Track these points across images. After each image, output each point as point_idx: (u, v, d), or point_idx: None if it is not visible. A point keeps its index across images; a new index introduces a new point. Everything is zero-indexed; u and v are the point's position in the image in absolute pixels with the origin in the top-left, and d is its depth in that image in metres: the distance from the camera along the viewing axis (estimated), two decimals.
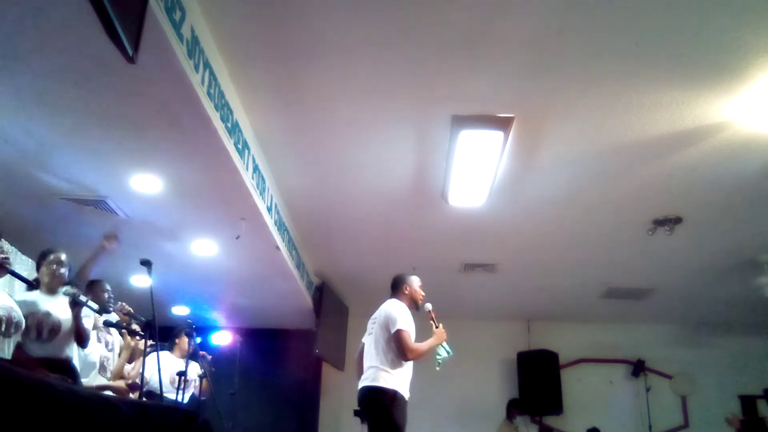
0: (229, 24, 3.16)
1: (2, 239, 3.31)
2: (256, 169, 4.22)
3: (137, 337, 4.38)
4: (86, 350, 3.87)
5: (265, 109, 3.88)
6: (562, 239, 5.65)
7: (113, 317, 4.32)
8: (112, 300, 4.26)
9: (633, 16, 2.97)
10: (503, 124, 3.79)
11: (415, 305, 3.92)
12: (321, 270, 6.85)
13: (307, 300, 6.67)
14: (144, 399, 4.04)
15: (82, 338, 3.57)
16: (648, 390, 7.78)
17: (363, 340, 3.94)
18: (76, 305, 3.48)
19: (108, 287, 4.30)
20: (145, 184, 4.22)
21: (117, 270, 5.59)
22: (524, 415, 7.60)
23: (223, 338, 7.20)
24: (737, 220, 5.06)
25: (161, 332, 4.17)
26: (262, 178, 4.42)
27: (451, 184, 4.51)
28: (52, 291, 3.59)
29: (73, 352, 3.64)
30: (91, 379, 4.06)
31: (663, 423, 7.69)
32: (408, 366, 3.69)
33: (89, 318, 3.73)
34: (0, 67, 2.99)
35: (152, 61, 2.70)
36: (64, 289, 3.51)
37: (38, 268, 3.71)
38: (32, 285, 3.64)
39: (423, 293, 3.98)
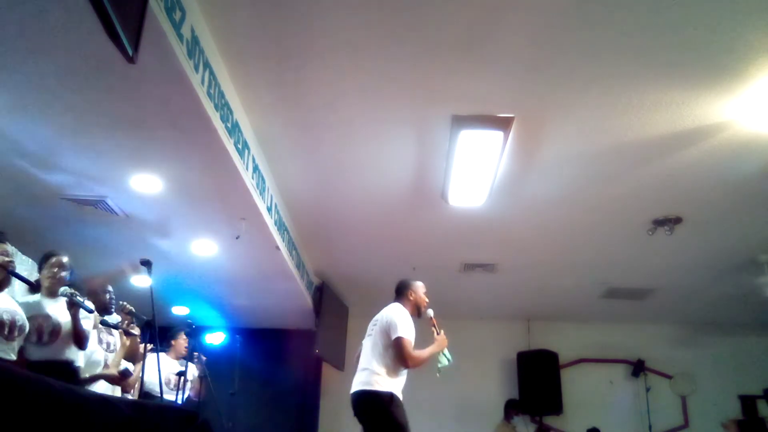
0: (229, 24, 3.16)
1: (6, 242, 3.31)
2: (256, 169, 4.22)
3: (137, 338, 4.38)
4: (91, 348, 3.88)
5: (265, 109, 3.88)
6: (562, 239, 5.65)
7: (114, 318, 4.32)
8: (113, 300, 4.27)
9: (633, 16, 2.97)
10: (503, 124, 3.78)
11: (417, 312, 3.88)
12: (321, 270, 6.85)
13: (307, 300, 6.66)
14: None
15: (80, 339, 3.56)
16: (648, 390, 7.78)
17: (363, 342, 3.91)
18: (72, 306, 3.48)
19: (110, 288, 4.31)
20: (145, 183, 4.22)
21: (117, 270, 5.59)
22: (523, 415, 7.59)
23: (220, 338, 7.21)
24: (737, 220, 5.06)
25: (159, 332, 4.17)
26: (262, 178, 4.42)
27: (451, 184, 4.50)
28: (53, 294, 3.58)
29: (75, 354, 3.64)
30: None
31: (663, 423, 7.70)
32: (403, 372, 3.65)
33: (89, 319, 3.73)
34: (0, 67, 2.99)
35: (152, 61, 2.70)
36: (62, 289, 3.50)
37: (40, 270, 3.70)
38: (33, 286, 3.64)
39: (427, 300, 3.96)
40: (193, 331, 5.32)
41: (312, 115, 3.91)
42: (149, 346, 4.40)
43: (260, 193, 4.37)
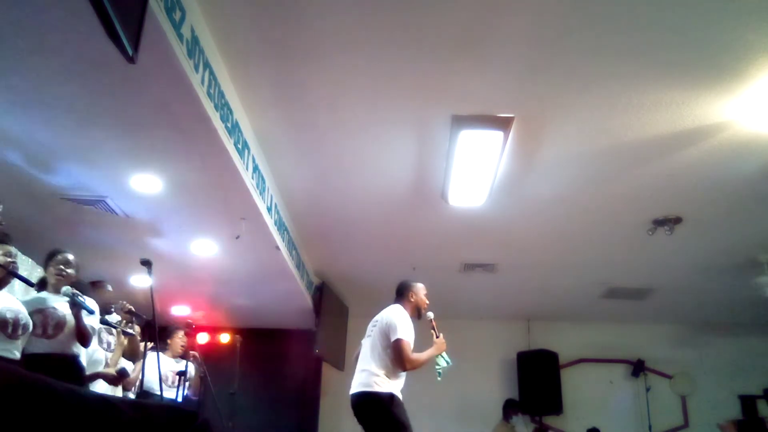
0: (229, 24, 3.16)
1: (10, 243, 3.32)
2: (256, 169, 4.22)
3: (137, 337, 4.39)
4: (92, 347, 3.90)
5: (265, 109, 3.88)
6: (563, 239, 5.65)
7: (114, 317, 4.33)
8: (114, 301, 4.28)
9: (633, 16, 2.97)
10: (503, 124, 3.78)
11: (418, 313, 3.88)
12: (321, 270, 6.85)
13: (307, 300, 6.66)
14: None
15: (83, 337, 3.58)
16: (648, 390, 7.78)
17: (362, 342, 3.92)
18: (74, 306, 3.50)
19: (110, 287, 4.31)
20: (145, 184, 4.22)
21: (117, 270, 5.59)
22: (523, 414, 7.60)
23: (220, 338, 7.22)
24: (737, 220, 5.06)
25: (152, 331, 4.19)
26: (262, 178, 4.42)
27: (451, 184, 4.50)
28: (58, 291, 3.61)
29: (80, 350, 3.66)
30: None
31: (663, 423, 7.69)
32: (402, 374, 3.66)
33: (94, 317, 3.74)
34: (0, 67, 2.99)
35: (152, 61, 2.70)
36: (64, 289, 3.52)
37: (45, 268, 3.74)
38: (33, 285, 3.64)
39: (428, 302, 3.96)
40: (193, 331, 5.33)
41: (312, 115, 3.91)
42: (149, 345, 4.41)
43: (260, 193, 4.37)
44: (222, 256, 5.50)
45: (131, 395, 4.46)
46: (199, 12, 3.02)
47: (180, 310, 7.18)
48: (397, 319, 3.66)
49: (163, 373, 4.72)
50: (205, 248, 5.35)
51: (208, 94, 3.18)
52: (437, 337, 3.84)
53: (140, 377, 4.34)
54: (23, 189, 4.28)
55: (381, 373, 3.57)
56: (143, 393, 4.36)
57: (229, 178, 3.91)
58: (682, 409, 7.84)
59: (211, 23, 3.13)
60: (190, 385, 5.03)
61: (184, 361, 5.08)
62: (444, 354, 3.81)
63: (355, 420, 3.71)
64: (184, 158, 3.86)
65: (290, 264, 5.57)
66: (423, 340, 3.82)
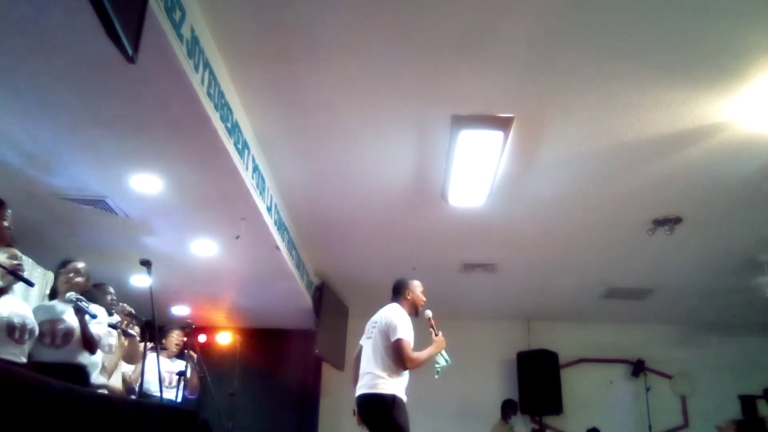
0: (229, 24, 3.16)
1: (15, 246, 3.33)
2: (256, 169, 4.22)
3: (136, 339, 4.39)
4: None
5: (265, 109, 3.88)
6: (562, 239, 5.65)
7: (114, 318, 4.32)
8: (115, 302, 4.29)
9: (633, 16, 2.97)
10: (503, 124, 3.78)
11: (415, 311, 3.89)
12: (321, 270, 6.85)
13: (307, 300, 6.66)
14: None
15: (89, 345, 3.61)
16: (648, 390, 7.78)
17: (361, 342, 3.92)
18: (78, 312, 3.52)
19: (111, 290, 4.32)
20: (145, 184, 4.22)
21: (117, 270, 5.59)
22: (523, 415, 7.61)
23: (220, 338, 7.22)
24: (737, 220, 5.06)
25: (152, 331, 4.19)
26: (262, 178, 4.42)
27: (451, 184, 4.50)
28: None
29: (88, 359, 3.68)
30: (94, 379, 4.08)
31: (663, 423, 7.70)
32: (406, 372, 3.67)
33: (102, 324, 3.77)
34: (0, 67, 2.99)
35: (152, 61, 2.70)
36: (68, 295, 3.56)
37: (56, 277, 3.79)
38: (32, 285, 3.65)
39: (425, 299, 3.96)
40: (192, 331, 5.33)
41: (312, 115, 3.91)
42: (149, 345, 4.41)
43: (260, 193, 4.37)
44: (222, 256, 5.50)
45: (132, 396, 4.46)
46: (199, 12, 3.02)
47: (180, 310, 7.19)
48: (396, 319, 3.67)
49: (162, 374, 4.73)
50: (205, 248, 5.35)
51: (208, 94, 3.18)
52: (436, 335, 3.85)
53: (140, 378, 4.34)
54: (23, 189, 4.28)
55: (384, 374, 3.58)
56: (142, 394, 4.36)
57: (229, 178, 3.91)
58: (682, 409, 7.85)
59: (211, 23, 3.13)
60: (186, 385, 5.03)
61: (180, 361, 5.09)
62: (443, 352, 3.83)
63: (355, 420, 3.72)
64: (184, 158, 3.85)
65: (290, 264, 5.57)
66: (422, 339, 3.82)
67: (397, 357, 3.58)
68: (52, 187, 4.27)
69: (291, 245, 5.59)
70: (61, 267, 3.75)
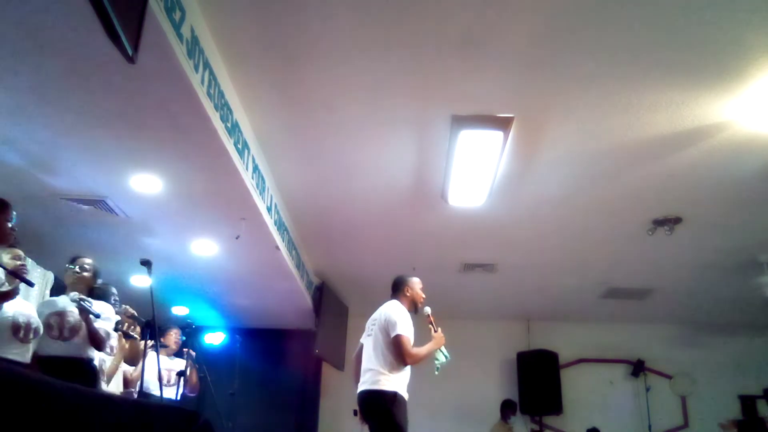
0: (229, 24, 3.16)
1: (18, 247, 3.34)
2: (256, 169, 4.22)
3: (138, 340, 4.40)
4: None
5: (265, 109, 3.88)
6: (562, 239, 5.65)
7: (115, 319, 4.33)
8: (117, 303, 4.29)
9: (633, 16, 2.97)
10: (503, 124, 3.78)
11: (414, 308, 3.90)
12: (321, 270, 6.85)
13: (307, 300, 6.66)
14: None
15: (96, 342, 3.63)
16: (648, 390, 7.78)
17: (361, 340, 3.93)
18: (82, 311, 3.53)
19: (114, 291, 4.32)
20: (145, 184, 4.22)
21: (117, 270, 5.59)
22: (523, 415, 7.61)
23: (220, 338, 7.21)
24: (737, 220, 5.06)
25: (152, 331, 4.20)
26: (262, 178, 4.42)
27: (451, 184, 4.50)
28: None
29: (95, 353, 3.71)
30: None
31: (663, 423, 7.70)
32: (407, 368, 3.69)
33: (109, 321, 3.78)
34: (0, 68, 2.99)
35: (152, 61, 2.70)
36: (72, 295, 3.62)
37: (65, 273, 3.85)
38: (32, 285, 3.66)
39: (424, 296, 3.96)
40: (192, 331, 5.34)
41: (312, 115, 3.91)
42: (149, 343, 4.42)
43: (260, 193, 4.37)
44: (222, 256, 5.50)
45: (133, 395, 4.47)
46: (199, 12, 3.02)
47: (180, 310, 7.19)
48: (396, 315, 3.68)
49: (161, 372, 4.73)
50: (205, 248, 5.35)
51: (208, 94, 3.18)
52: (435, 331, 3.86)
53: (141, 378, 4.34)
54: (23, 189, 4.28)
55: (385, 370, 3.60)
56: (142, 393, 4.36)
57: (229, 178, 3.91)
58: (682, 409, 7.84)
59: (211, 23, 3.13)
60: (186, 383, 5.04)
61: (179, 359, 5.09)
62: (443, 348, 3.84)
63: (355, 420, 3.72)
64: (184, 158, 3.85)
65: (290, 264, 5.57)
66: (421, 335, 3.83)
67: (397, 352, 3.60)
68: (52, 187, 4.27)
69: (291, 245, 5.59)
70: (69, 263, 3.80)
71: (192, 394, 5.11)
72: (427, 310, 3.94)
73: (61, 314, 3.58)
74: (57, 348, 3.51)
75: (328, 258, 6.51)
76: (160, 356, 4.97)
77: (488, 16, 3.02)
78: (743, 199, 4.69)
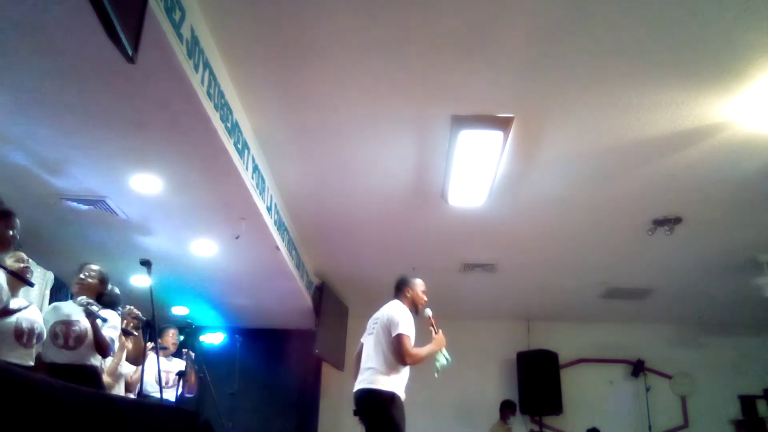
0: (229, 24, 3.16)
1: (21, 249, 3.36)
2: (256, 169, 4.22)
3: (140, 340, 4.40)
4: None
5: (265, 109, 3.88)
6: (562, 239, 5.65)
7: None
8: (120, 303, 4.30)
9: (633, 16, 2.97)
10: (503, 124, 3.78)
11: (415, 309, 3.89)
12: (321, 270, 6.85)
13: (307, 300, 6.66)
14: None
15: (102, 348, 3.64)
16: (648, 390, 7.78)
17: (362, 339, 3.93)
18: (89, 316, 3.53)
19: (117, 291, 4.32)
20: (145, 184, 4.22)
21: (117, 270, 5.59)
22: (523, 415, 7.61)
23: (220, 338, 7.22)
24: (737, 220, 5.06)
25: (152, 331, 4.20)
26: (262, 178, 4.42)
27: (451, 184, 4.50)
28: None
29: (99, 360, 3.73)
30: None
31: (663, 423, 7.70)
32: (405, 369, 3.67)
33: (115, 329, 3.79)
34: (0, 67, 2.99)
35: (152, 61, 2.70)
36: (79, 299, 3.62)
37: (71, 279, 3.87)
38: (32, 285, 3.67)
39: (425, 298, 3.95)
40: (192, 331, 5.33)
41: (312, 115, 3.91)
42: (149, 345, 4.42)
43: (260, 193, 4.37)
44: (222, 256, 5.50)
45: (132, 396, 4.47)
46: (199, 12, 3.02)
47: (180, 310, 7.19)
48: (398, 315, 3.68)
49: (154, 375, 4.72)
50: (205, 248, 5.35)
51: (208, 94, 3.18)
52: (436, 333, 3.85)
53: (141, 379, 4.34)
54: (23, 189, 4.28)
55: (384, 370, 3.59)
56: (141, 394, 4.36)
57: (228, 178, 3.91)
58: (682, 409, 7.84)
59: (211, 23, 3.13)
60: (184, 383, 5.03)
61: (177, 360, 5.09)
62: (444, 350, 3.82)
63: (355, 420, 3.71)
64: (184, 158, 3.85)
65: (290, 264, 5.57)
66: (422, 337, 3.82)
67: (397, 351, 3.59)
68: (52, 187, 4.27)
69: (291, 245, 5.59)
70: (77, 270, 3.81)
71: (190, 395, 5.11)
72: (428, 312, 3.92)
73: (67, 323, 3.59)
74: (62, 356, 3.53)
75: (328, 258, 6.51)
76: (160, 358, 4.98)
77: (488, 16, 3.01)
78: (743, 199, 4.69)
